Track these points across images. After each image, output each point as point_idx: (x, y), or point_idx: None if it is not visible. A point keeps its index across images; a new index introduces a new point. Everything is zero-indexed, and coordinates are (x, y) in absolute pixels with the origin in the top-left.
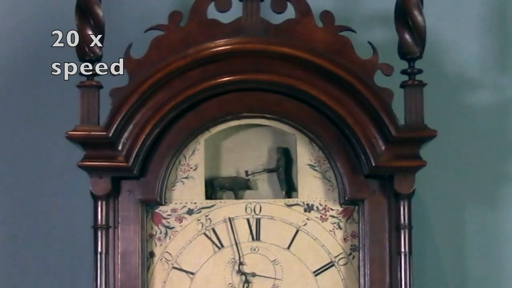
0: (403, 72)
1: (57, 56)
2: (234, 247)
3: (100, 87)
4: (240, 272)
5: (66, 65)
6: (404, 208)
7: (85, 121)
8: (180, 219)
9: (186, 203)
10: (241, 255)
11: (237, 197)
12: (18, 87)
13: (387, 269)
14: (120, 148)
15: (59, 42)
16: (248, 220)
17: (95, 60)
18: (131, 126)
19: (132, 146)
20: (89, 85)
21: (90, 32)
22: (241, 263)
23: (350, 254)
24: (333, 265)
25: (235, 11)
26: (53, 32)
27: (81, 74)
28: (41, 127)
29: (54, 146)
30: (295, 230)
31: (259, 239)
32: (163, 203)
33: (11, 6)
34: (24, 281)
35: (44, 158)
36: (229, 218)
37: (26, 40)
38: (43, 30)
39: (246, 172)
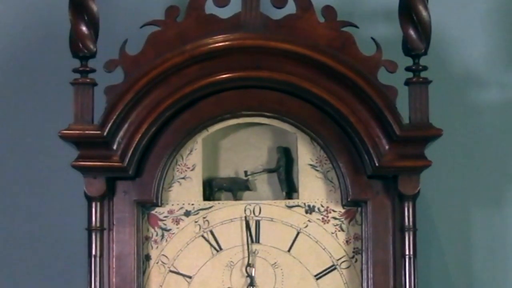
0: (408, 69)
1: (57, 55)
2: (245, 246)
3: (94, 84)
4: (247, 274)
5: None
6: (409, 209)
7: (78, 119)
8: (177, 221)
9: (183, 204)
10: (250, 255)
11: (236, 198)
12: (16, 87)
13: (391, 272)
14: (115, 147)
15: (59, 41)
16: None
17: (89, 56)
18: (126, 125)
19: (128, 146)
20: (83, 83)
21: (84, 28)
22: (248, 265)
23: (353, 257)
24: (335, 268)
25: (234, 6)
26: (53, 32)
27: (74, 70)
28: (40, 127)
29: (47, 146)
30: (295, 232)
31: (258, 242)
32: (159, 204)
33: (12, 5)
34: (17, 285)
35: (38, 158)
36: (245, 217)
37: (26, 39)
38: (43, 29)
39: (245, 172)
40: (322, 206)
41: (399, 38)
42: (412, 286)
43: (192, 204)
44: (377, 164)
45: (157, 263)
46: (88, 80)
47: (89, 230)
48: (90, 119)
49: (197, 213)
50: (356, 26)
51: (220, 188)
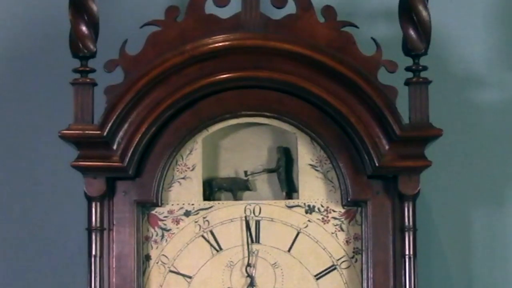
0: (408, 69)
1: (57, 55)
2: (245, 246)
3: (94, 84)
4: (247, 274)
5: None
6: (409, 209)
7: (78, 119)
8: (177, 221)
9: (183, 204)
10: (250, 256)
11: (236, 198)
12: (16, 87)
13: (391, 272)
14: (115, 147)
15: (59, 41)
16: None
17: (89, 56)
18: (126, 125)
19: (128, 146)
20: (83, 82)
21: (84, 28)
22: (248, 265)
23: (353, 257)
24: (335, 268)
25: (234, 6)
26: (53, 32)
27: (74, 70)
28: (40, 127)
29: (47, 146)
30: (295, 232)
31: (258, 242)
32: (159, 204)
33: (11, 5)
34: (18, 285)
35: (38, 158)
36: (245, 217)
37: (26, 39)
38: (43, 29)
39: (245, 172)
40: (322, 206)
41: (399, 38)
42: (412, 286)
43: (192, 204)
44: (377, 164)
45: (157, 263)
46: (88, 80)
47: (89, 230)
48: (90, 119)
49: (197, 213)
50: (356, 26)
51: (220, 188)
